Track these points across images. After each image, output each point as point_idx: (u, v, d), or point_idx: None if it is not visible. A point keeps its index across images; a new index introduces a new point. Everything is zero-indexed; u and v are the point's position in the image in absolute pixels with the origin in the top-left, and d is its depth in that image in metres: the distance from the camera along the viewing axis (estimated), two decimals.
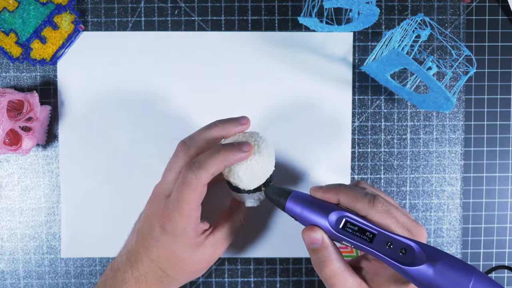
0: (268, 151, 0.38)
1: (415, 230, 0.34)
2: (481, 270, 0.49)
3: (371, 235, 0.33)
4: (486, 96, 0.49)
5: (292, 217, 0.36)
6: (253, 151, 0.37)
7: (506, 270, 0.48)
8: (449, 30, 0.48)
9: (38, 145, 0.48)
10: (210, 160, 0.36)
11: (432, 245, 0.49)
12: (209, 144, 0.39)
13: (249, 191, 0.39)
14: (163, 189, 0.39)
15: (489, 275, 0.48)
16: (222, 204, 0.45)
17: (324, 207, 0.34)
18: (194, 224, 0.37)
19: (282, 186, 0.38)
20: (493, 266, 0.49)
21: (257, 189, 0.39)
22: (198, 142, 0.38)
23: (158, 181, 0.40)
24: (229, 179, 0.38)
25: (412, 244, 0.32)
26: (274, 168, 0.39)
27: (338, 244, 0.35)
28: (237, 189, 0.39)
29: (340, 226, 0.33)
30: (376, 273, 0.35)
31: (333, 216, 0.34)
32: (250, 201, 0.40)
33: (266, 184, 0.39)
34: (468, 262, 0.46)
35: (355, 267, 0.37)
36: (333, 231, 0.33)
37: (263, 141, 0.38)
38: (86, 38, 0.48)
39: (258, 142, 0.38)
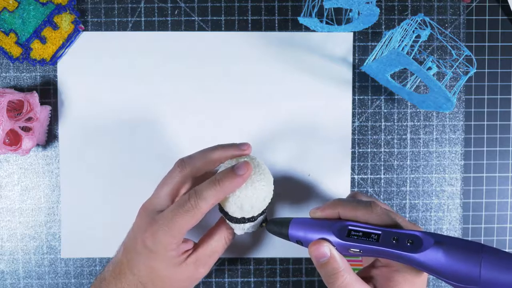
0: (264, 181, 0.38)
1: (411, 228, 0.34)
2: None
3: (376, 236, 0.33)
4: (486, 96, 0.49)
5: (297, 243, 0.37)
6: (249, 181, 0.37)
7: None
8: (449, 30, 0.48)
9: (38, 145, 0.48)
10: (210, 192, 0.36)
11: None
12: (207, 166, 0.39)
13: (241, 221, 0.39)
14: (154, 203, 0.39)
15: None
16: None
17: (325, 223, 0.35)
18: (175, 244, 0.37)
19: (281, 217, 0.39)
20: None
21: (250, 220, 0.39)
22: (196, 162, 0.39)
23: (149, 197, 0.40)
24: (223, 207, 0.39)
25: (417, 232, 0.32)
26: (271, 197, 0.39)
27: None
28: (229, 217, 0.39)
29: (345, 235, 0.34)
30: (386, 278, 0.35)
31: (337, 227, 0.35)
32: (240, 230, 0.40)
33: (260, 215, 0.39)
34: None
35: (364, 277, 0.36)
36: (340, 240, 0.34)
37: (261, 171, 0.38)
38: (86, 38, 0.48)
39: (254, 171, 0.38)
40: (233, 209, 0.38)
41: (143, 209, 0.39)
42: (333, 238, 0.34)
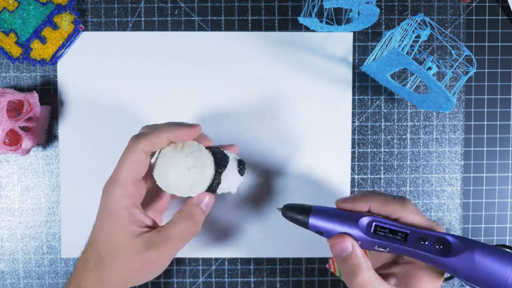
0: (202, 164, 0.37)
1: (437, 229, 0.34)
2: None
3: (403, 235, 0.33)
4: (486, 96, 0.49)
5: (317, 232, 0.35)
6: (186, 159, 0.37)
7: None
8: (449, 30, 0.48)
9: (38, 145, 0.48)
10: (153, 130, 0.37)
11: None
12: (160, 145, 0.39)
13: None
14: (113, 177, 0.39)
15: None
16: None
17: (351, 216, 0.34)
18: (127, 201, 0.37)
19: (298, 203, 0.37)
20: None
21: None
22: (152, 139, 0.38)
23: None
24: (156, 179, 0.38)
25: (447, 236, 0.32)
26: (210, 179, 0.38)
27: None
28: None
29: (371, 231, 0.33)
30: (408, 276, 0.35)
31: (363, 222, 0.33)
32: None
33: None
34: None
35: (385, 274, 0.36)
36: (366, 236, 0.33)
37: (201, 152, 0.38)
38: (86, 38, 0.48)
39: (195, 151, 0.38)
40: (160, 182, 0.39)
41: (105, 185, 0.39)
42: (358, 233, 0.33)
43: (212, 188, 0.39)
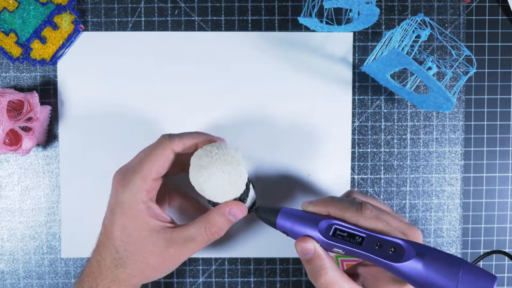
0: (234, 168, 0.36)
1: (409, 232, 0.34)
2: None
3: (360, 239, 0.33)
4: (486, 96, 0.49)
5: (283, 233, 0.37)
6: (220, 164, 0.36)
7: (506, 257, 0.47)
8: (449, 30, 0.48)
9: (38, 145, 0.48)
10: (185, 133, 0.38)
11: (432, 245, 0.49)
12: (191, 148, 0.39)
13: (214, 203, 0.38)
14: (129, 165, 0.39)
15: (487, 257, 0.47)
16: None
17: (313, 219, 0.35)
18: (146, 195, 0.37)
19: (271, 205, 0.39)
20: (494, 263, 0.49)
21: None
22: (185, 142, 0.39)
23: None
24: (194, 186, 0.37)
25: (400, 241, 0.32)
26: (244, 187, 0.37)
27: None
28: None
29: (330, 234, 0.34)
30: (375, 277, 0.35)
31: (323, 225, 0.35)
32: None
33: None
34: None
35: (353, 274, 0.37)
36: (324, 238, 0.34)
37: (234, 159, 0.36)
38: (86, 38, 0.48)
39: (227, 156, 0.36)
40: (199, 189, 0.37)
41: (117, 172, 0.39)
42: (317, 236, 0.34)
43: (242, 199, 0.38)
